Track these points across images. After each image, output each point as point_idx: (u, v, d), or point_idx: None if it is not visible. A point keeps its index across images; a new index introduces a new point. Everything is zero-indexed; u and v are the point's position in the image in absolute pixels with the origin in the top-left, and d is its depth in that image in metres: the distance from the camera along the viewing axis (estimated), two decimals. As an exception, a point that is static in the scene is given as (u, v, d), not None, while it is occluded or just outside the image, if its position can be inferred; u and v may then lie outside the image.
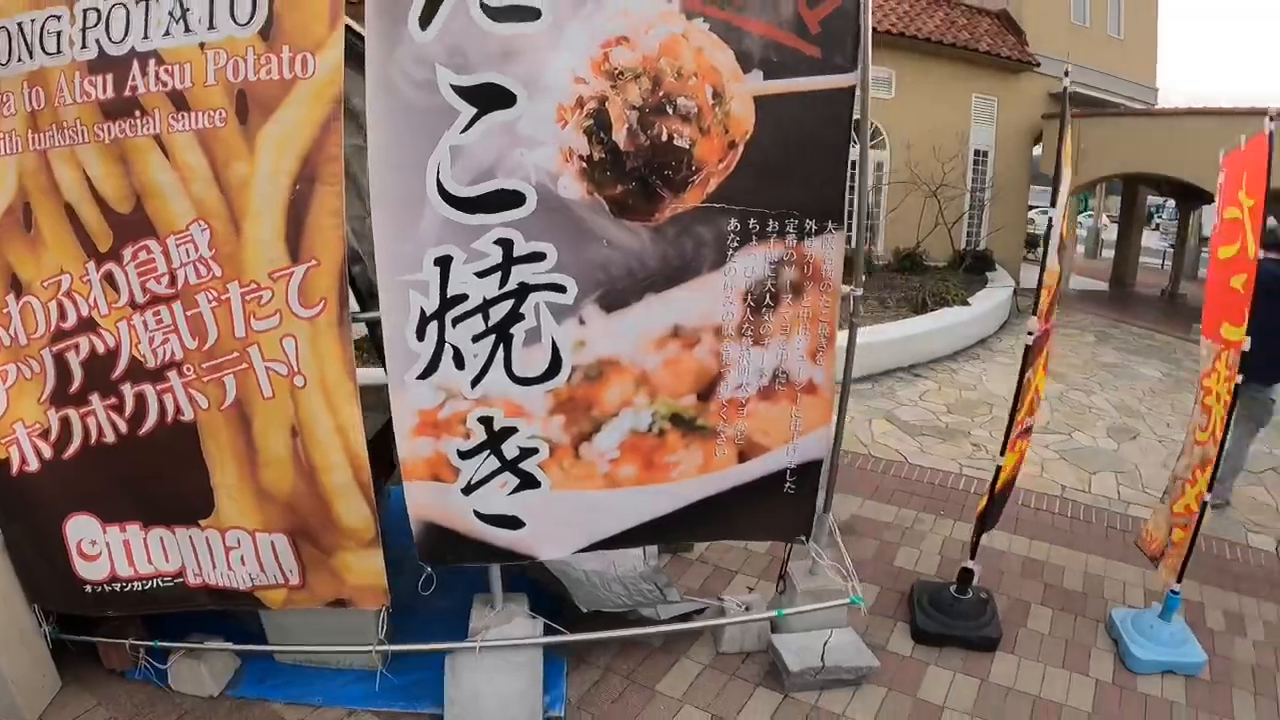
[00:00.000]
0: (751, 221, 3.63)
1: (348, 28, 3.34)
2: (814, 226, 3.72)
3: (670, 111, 3.41)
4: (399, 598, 4.13)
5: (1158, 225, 38.95)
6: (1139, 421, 10.61)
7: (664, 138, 3.42)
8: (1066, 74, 4.45)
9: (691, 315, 3.72)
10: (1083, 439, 9.67)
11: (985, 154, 21.67)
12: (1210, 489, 4.89)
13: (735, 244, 3.65)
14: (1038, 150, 22.38)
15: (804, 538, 4.49)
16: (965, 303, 14.30)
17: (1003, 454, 4.90)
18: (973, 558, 5.25)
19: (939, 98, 19.91)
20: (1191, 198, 21.84)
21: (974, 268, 19.07)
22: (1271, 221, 8.62)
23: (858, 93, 3.69)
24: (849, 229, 3.97)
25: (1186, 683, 5.00)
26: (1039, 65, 21.59)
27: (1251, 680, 5.10)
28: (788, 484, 4.20)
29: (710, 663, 4.81)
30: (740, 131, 3.49)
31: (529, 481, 3.86)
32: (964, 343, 13.37)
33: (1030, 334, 4.56)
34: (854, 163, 4.14)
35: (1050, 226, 4.46)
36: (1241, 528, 7.40)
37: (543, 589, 4.66)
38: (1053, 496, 7.71)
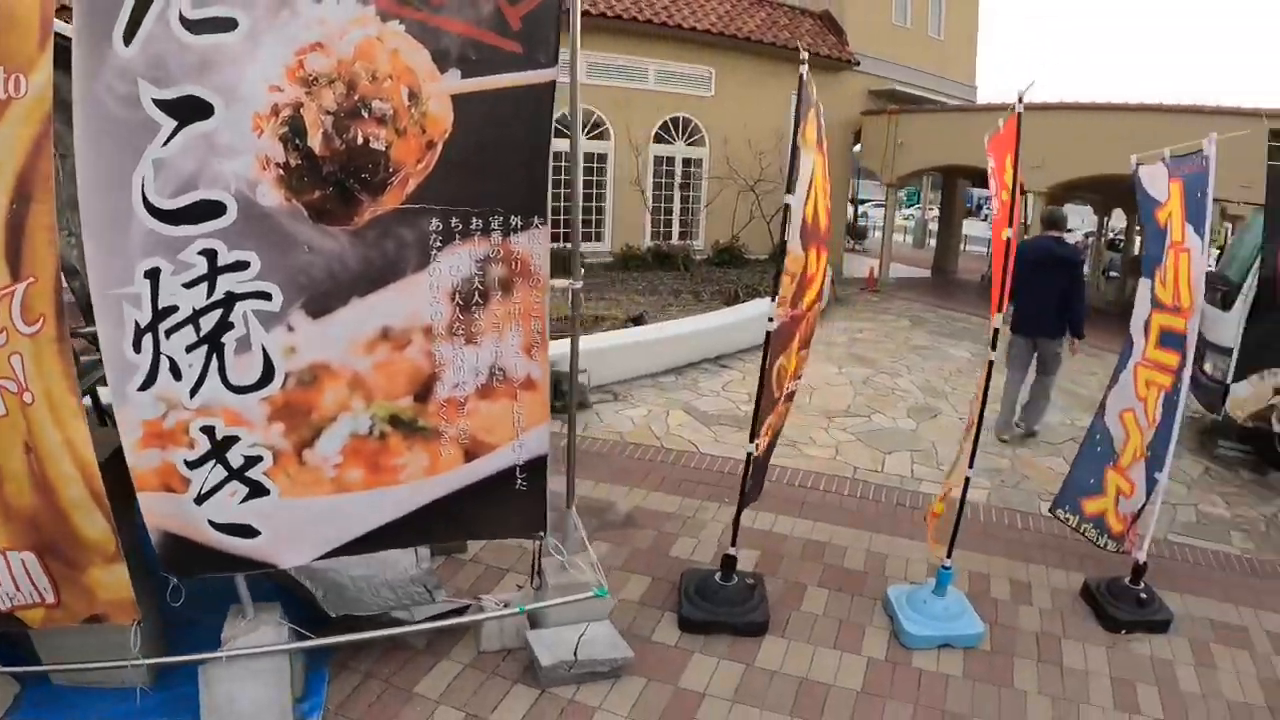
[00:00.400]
0: (454, 220, 3.65)
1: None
2: (519, 222, 3.75)
3: (365, 115, 3.41)
4: (177, 612, 4.08)
5: (986, 216, 40.14)
6: (942, 401, 11.01)
7: (359, 141, 3.42)
8: (804, 61, 4.59)
9: (399, 317, 3.72)
10: (882, 420, 9.98)
11: (807, 150, 22.11)
12: (971, 464, 5.11)
13: (439, 243, 3.67)
14: (860, 146, 22.98)
15: (541, 533, 4.52)
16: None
17: (753, 440, 5.03)
18: (733, 544, 5.37)
19: (759, 95, 20.37)
20: (1008, 188, 22.57)
21: (796, 260, 19.43)
22: (1051, 208, 9.62)
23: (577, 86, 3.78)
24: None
25: (964, 655, 5.18)
26: (859, 64, 22.23)
27: (1035, 647, 5.31)
28: (519, 481, 4.22)
29: (471, 662, 4.81)
30: (438, 131, 3.51)
31: (258, 489, 3.81)
32: (777, 332, 13.54)
33: (770, 320, 4.67)
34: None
35: (789, 212, 4.57)
36: (1036, 498, 7.75)
37: (293, 594, 4.62)
38: (844, 478, 7.94)
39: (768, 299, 4.45)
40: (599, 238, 19.37)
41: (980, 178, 23.53)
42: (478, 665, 4.80)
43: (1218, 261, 11.20)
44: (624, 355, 10.72)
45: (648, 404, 10.06)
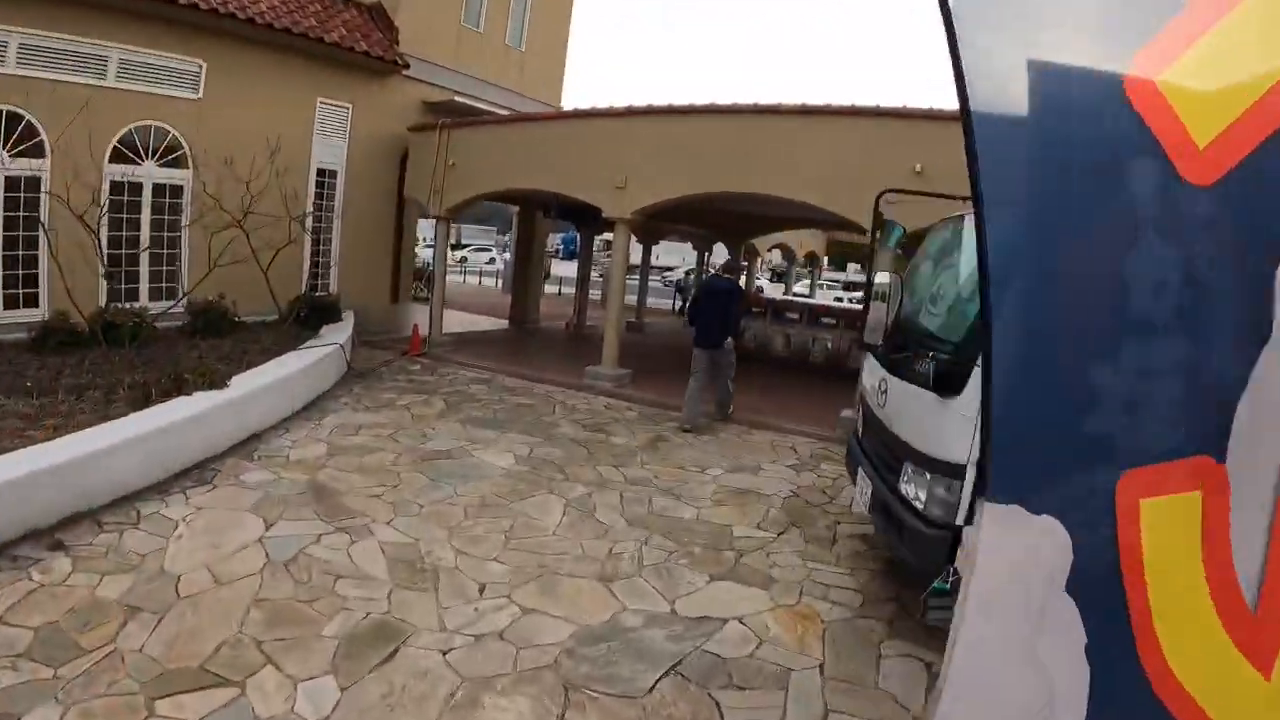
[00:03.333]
0: None
1: None
2: None
3: None
4: None
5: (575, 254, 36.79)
6: (421, 599, 5.85)
7: None
8: None
9: None
10: (264, 694, 4.54)
11: (334, 173, 17.32)
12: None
13: None
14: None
15: None
16: (217, 385, 9.08)
17: None
18: None
19: (270, 101, 15.49)
20: (590, 220, 18.35)
21: (312, 319, 14.72)
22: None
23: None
24: None
25: None
26: (408, 67, 17.96)
27: None
28: None
29: None
30: None
31: None
32: (206, 452, 8.13)
33: None
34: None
35: None
36: None
37: None
38: None
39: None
40: (31, 301, 12.83)
41: (568, 209, 18.88)
42: None
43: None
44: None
45: None
